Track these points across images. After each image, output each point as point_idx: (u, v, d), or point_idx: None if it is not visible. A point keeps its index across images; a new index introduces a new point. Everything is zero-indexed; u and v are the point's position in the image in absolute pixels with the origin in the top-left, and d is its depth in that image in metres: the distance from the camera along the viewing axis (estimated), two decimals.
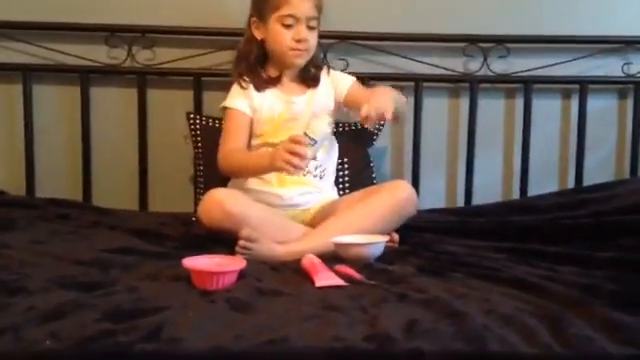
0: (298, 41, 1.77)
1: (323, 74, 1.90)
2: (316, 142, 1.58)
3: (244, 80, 1.84)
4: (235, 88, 1.86)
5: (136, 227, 1.85)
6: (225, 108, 1.84)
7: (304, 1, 1.77)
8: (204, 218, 1.68)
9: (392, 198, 1.71)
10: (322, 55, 1.95)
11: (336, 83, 1.90)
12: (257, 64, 1.86)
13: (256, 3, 1.84)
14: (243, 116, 1.82)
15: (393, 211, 1.70)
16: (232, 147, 1.79)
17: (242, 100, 1.83)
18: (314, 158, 1.60)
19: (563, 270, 1.44)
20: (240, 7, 2.16)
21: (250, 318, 1.12)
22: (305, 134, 1.58)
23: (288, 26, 1.77)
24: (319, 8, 1.81)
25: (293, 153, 1.53)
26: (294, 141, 1.55)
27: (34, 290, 1.22)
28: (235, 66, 1.89)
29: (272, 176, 1.77)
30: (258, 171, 1.73)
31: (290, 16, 1.76)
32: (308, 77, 1.88)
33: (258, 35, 1.83)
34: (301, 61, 1.83)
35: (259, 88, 1.83)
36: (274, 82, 1.86)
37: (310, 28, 1.79)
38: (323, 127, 1.70)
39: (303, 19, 1.77)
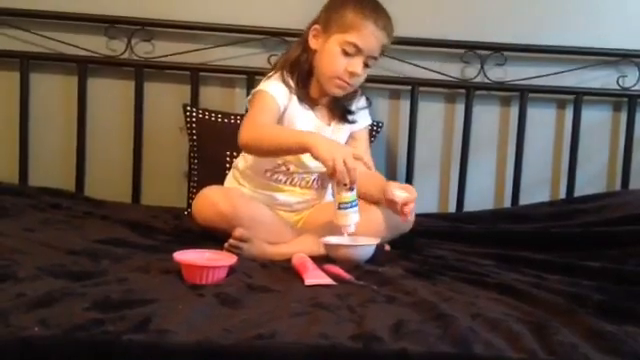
0: (350, 73, 1.67)
1: (356, 108, 1.83)
2: (354, 190, 1.55)
3: (290, 82, 1.72)
4: (277, 82, 1.72)
5: (128, 219, 1.85)
6: (260, 91, 1.70)
7: (374, 38, 1.67)
8: (197, 216, 1.68)
9: (390, 213, 1.65)
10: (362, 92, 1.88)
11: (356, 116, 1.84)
12: (308, 77, 1.74)
13: (327, 13, 1.71)
14: (276, 104, 1.69)
15: (389, 226, 1.67)
16: (265, 122, 1.65)
17: (283, 94, 1.70)
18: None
19: (551, 278, 1.45)
20: (241, 4, 2.18)
21: (239, 313, 1.12)
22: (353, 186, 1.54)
23: (347, 54, 1.66)
24: (383, 51, 1.73)
25: (350, 169, 1.48)
26: (350, 168, 1.48)
27: (24, 277, 1.22)
28: (285, 67, 1.74)
29: (272, 184, 1.77)
30: (293, 147, 1.58)
31: (354, 45, 1.65)
32: (341, 109, 1.79)
33: (313, 45, 1.72)
34: (340, 93, 1.74)
35: (300, 100, 1.74)
36: (313, 103, 1.76)
37: (365, 65, 1.70)
38: None
39: (365, 54, 1.67)
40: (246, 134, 1.62)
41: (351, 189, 1.55)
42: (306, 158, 1.76)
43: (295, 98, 1.73)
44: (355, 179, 1.51)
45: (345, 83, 1.70)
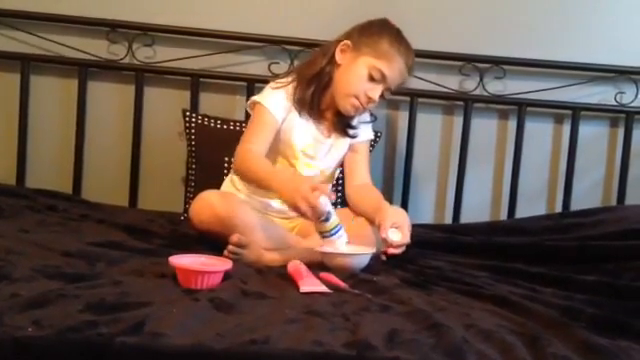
0: (368, 98, 1.72)
1: (357, 124, 1.83)
2: (328, 220, 1.54)
3: (292, 94, 1.75)
4: (278, 92, 1.75)
5: (124, 222, 1.85)
6: (258, 103, 1.74)
7: (400, 74, 1.73)
8: (194, 219, 1.68)
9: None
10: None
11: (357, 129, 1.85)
12: (324, 89, 1.76)
13: (360, 34, 1.75)
14: (274, 120, 1.73)
15: (380, 240, 1.65)
16: (255, 149, 1.69)
17: (281, 107, 1.74)
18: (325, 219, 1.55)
19: (545, 291, 1.46)
20: (242, 12, 2.19)
21: (233, 318, 1.12)
22: (328, 212, 1.53)
23: (372, 79, 1.71)
24: (399, 87, 1.78)
25: (312, 207, 1.49)
26: (312, 206, 1.49)
27: (18, 278, 1.22)
28: (305, 77, 1.76)
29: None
30: (267, 187, 1.63)
31: (381, 73, 1.70)
32: (343, 123, 1.81)
33: (339, 59, 1.75)
34: (352, 113, 1.77)
35: (302, 112, 1.76)
36: (319, 115, 1.79)
37: (382, 96, 1.74)
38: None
39: (387, 84, 1.72)
40: (237, 162, 1.69)
41: (326, 219, 1.54)
42: (303, 170, 1.78)
43: (294, 110, 1.74)
44: (322, 212, 1.51)
45: (360, 104, 1.73)
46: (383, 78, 1.71)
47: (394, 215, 1.64)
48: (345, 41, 1.75)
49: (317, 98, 1.76)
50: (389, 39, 1.72)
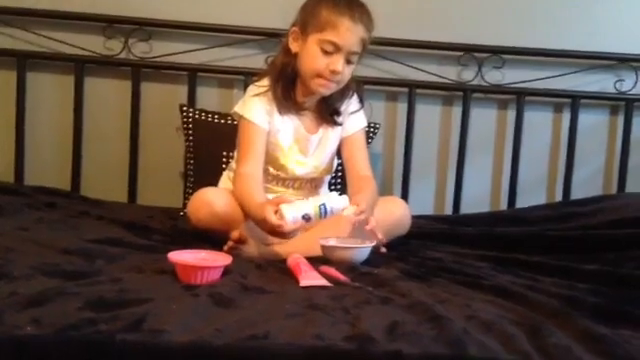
0: (331, 72, 1.65)
1: (345, 110, 1.79)
2: (311, 219, 1.52)
3: (273, 98, 1.72)
4: (257, 99, 1.72)
5: (123, 219, 1.84)
6: (242, 117, 1.72)
7: (352, 33, 1.63)
8: (192, 217, 1.67)
9: (387, 215, 1.67)
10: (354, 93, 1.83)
11: (347, 121, 1.81)
12: (293, 81, 1.72)
13: (303, 14, 1.69)
14: (260, 130, 1.71)
15: (385, 228, 1.64)
16: (249, 172, 1.69)
17: (263, 114, 1.72)
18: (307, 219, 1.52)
19: (546, 281, 1.45)
20: (239, 5, 2.18)
21: (233, 313, 1.12)
22: (303, 216, 1.50)
23: (326, 52, 1.64)
24: (364, 45, 1.67)
25: (285, 227, 1.48)
26: (273, 229, 1.49)
27: (17, 276, 1.21)
28: (272, 76, 1.74)
29: (265, 186, 1.76)
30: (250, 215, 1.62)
31: (332, 43, 1.63)
32: (328, 112, 1.77)
33: (293, 47, 1.69)
34: (326, 92, 1.71)
35: (282, 112, 1.73)
36: (299, 108, 1.75)
37: (348, 62, 1.67)
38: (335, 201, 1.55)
39: (344, 50, 1.64)
40: (233, 186, 1.70)
41: (308, 219, 1.52)
42: (295, 169, 1.77)
43: (276, 111, 1.72)
44: (296, 223, 1.50)
45: (328, 81, 1.68)
46: (336, 47, 1.63)
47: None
48: (293, 28, 1.70)
49: (288, 93, 1.72)
50: (325, 6, 1.64)
